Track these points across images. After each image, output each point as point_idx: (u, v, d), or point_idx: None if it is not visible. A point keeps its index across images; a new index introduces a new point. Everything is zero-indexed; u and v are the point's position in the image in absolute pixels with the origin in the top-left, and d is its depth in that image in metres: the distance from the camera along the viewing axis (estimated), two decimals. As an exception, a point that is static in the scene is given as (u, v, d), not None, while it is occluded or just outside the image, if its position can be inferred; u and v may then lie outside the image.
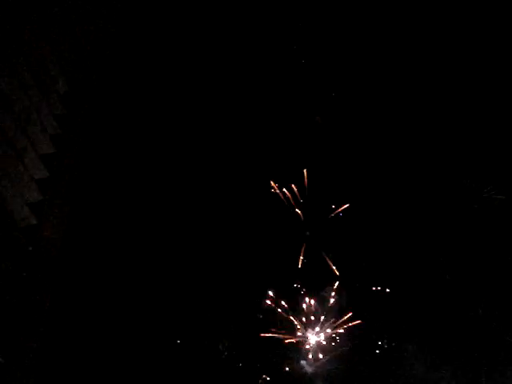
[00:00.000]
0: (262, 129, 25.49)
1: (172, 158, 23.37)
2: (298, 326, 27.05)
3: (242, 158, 25.01)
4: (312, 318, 27.50)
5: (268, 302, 26.19)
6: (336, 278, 27.29)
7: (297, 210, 27.38)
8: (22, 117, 9.40)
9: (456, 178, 24.03)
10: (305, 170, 26.03)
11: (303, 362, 26.30)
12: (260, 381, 24.44)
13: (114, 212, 20.53)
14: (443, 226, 24.30)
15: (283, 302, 26.67)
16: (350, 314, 27.03)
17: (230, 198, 24.82)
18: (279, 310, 26.62)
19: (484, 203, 22.84)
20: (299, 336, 27.18)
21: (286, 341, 25.93)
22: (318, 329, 27.27)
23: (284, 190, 26.66)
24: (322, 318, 27.22)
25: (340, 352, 26.65)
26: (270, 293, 25.96)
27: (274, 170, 26.77)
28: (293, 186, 26.58)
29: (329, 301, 27.17)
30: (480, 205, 22.83)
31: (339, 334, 27.02)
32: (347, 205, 26.07)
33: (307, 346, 27.03)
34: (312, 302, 27.22)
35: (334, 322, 27.48)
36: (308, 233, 27.96)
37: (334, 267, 26.73)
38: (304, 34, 25.28)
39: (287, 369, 25.76)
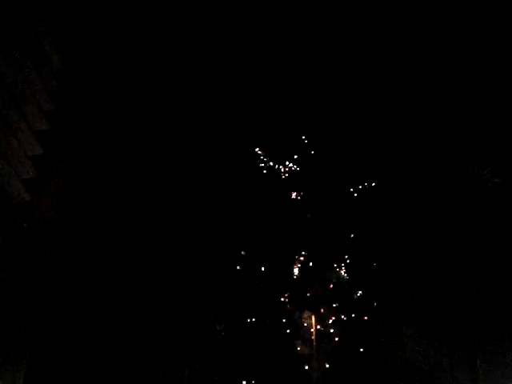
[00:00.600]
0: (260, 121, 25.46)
1: (167, 139, 23.36)
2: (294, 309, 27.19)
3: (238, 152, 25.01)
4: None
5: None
6: (334, 261, 27.41)
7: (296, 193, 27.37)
8: (15, 93, 9.29)
9: (453, 162, 24.07)
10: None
11: (298, 342, 26.48)
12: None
13: (109, 190, 20.51)
14: (440, 208, 24.36)
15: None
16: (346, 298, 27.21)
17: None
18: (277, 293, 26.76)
19: (481, 186, 22.88)
20: (295, 318, 27.34)
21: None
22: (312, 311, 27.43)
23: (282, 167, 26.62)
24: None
25: (336, 334, 26.85)
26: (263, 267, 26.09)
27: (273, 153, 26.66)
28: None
29: (327, 283, 27.30)
30: (477, 188, 22.87)
31: (335, 317, 27.17)
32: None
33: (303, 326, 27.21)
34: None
35: (331, 305, 27.62)
36: (309, 215, 27.95)
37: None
38: (304, 34, 25.14)
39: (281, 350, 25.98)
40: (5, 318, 8.77)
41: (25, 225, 8.87)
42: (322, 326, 27.42)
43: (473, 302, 23.16)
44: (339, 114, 25.50)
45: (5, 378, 8.43)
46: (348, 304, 27.09)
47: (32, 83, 9.49)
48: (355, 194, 27.11)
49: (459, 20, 22.39)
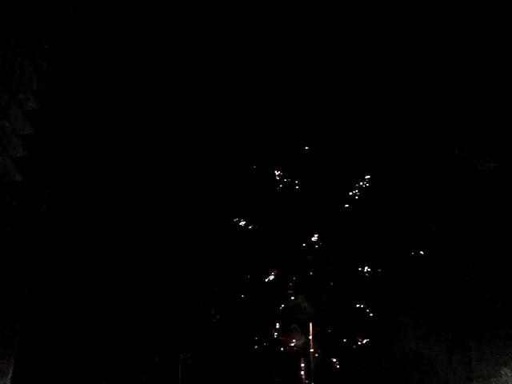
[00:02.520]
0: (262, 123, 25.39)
1: (161, 123, 23.29)
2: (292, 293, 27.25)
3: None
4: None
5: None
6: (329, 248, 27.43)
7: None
8: (5, 72, 9.27)
9: (447, 146, 24.08)
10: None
11: (294, 326, 26.51)
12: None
13: (102, 170, 20.50)
14: (433, 194, 24.39)
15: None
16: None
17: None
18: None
19: (475, 170, 22.94)
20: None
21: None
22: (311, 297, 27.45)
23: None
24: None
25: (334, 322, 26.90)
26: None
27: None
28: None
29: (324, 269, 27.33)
30: (471, 172, 22.94)
31: (334, 305, 27.22)
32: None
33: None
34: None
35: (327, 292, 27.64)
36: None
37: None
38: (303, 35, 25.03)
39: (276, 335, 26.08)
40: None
41: (15, 203, 8.87)
42: (317, 312, 27.54)
43: (465, 288, 23.25)
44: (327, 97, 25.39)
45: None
46: (344, 293, 27.10)
47: (22, 63, 9.47)
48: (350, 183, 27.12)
49: (447, 6, 22.39)
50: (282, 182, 27.06)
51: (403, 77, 23.73)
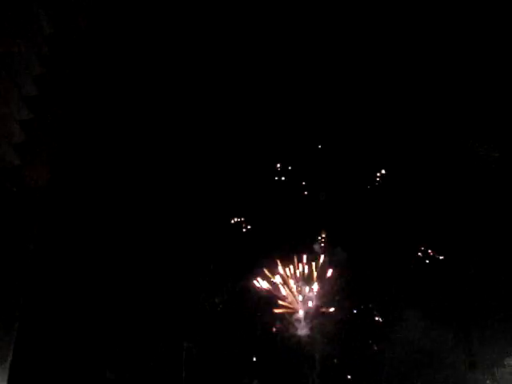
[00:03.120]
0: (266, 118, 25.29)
1: (155, 110, 23.21)
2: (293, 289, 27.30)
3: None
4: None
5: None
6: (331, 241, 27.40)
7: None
8: (5, 58, 9.29)
9: (454, 137, 23.98)
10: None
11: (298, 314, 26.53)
12: None
13: (98, 155, 20.50)
14: (439, 183, 24.30)
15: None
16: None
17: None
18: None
19: (480, 160, 22.85)
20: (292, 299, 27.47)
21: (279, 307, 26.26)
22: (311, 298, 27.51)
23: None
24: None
25: (335, 316, 26.91)
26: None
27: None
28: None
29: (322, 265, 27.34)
30: (477, 161, 22.85)
31: (335, 299, 27.21)
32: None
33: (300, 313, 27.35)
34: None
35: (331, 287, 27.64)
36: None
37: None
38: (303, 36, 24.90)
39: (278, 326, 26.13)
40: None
41: (14, 189, 8.92)
42: (322, 304, 27.51)
43: (470, 279, 23.19)
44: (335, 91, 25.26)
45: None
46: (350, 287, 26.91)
47: (22, 48, 9.49)
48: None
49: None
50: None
51: (410, 68, 23.60)
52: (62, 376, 21.04)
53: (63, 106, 9.89)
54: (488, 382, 22.22)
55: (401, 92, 24.08)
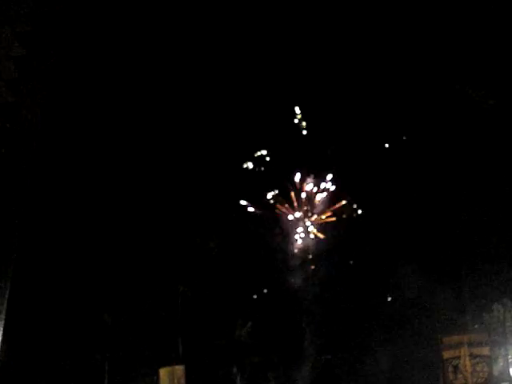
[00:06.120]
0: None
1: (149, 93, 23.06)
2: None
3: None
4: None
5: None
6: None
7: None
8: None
9: (449, 83, 23.80)
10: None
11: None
12: None
13: (91, 99, 20.40)
14: (434, 132, 24.29)
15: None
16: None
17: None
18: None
19: (476, 106, 22.77)
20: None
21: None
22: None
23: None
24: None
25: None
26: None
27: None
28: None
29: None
30: (472, 108, 22.77)
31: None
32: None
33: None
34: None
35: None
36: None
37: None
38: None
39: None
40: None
41: (8, 125, 8.89)
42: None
43: (462, 225, 23.38)
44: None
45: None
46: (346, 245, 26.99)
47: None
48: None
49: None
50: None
51: (408, 18, 23.30)
52: (60, 318, 21.49)
53: (57, 42, 9.77)
54: (476, 325, 22.71)
55: (400, 33, 23.76)
